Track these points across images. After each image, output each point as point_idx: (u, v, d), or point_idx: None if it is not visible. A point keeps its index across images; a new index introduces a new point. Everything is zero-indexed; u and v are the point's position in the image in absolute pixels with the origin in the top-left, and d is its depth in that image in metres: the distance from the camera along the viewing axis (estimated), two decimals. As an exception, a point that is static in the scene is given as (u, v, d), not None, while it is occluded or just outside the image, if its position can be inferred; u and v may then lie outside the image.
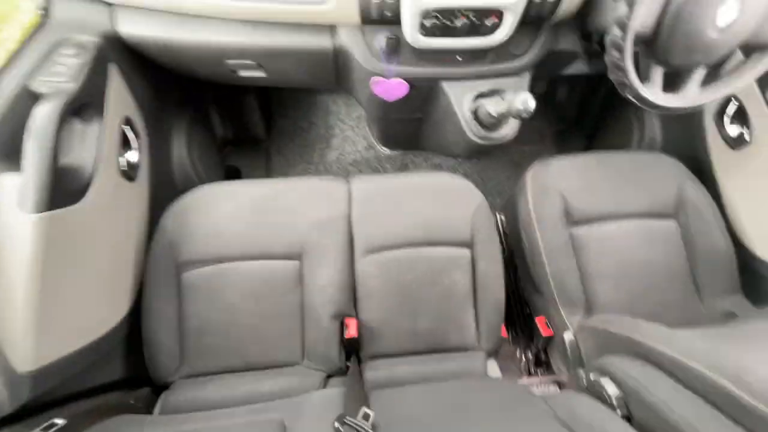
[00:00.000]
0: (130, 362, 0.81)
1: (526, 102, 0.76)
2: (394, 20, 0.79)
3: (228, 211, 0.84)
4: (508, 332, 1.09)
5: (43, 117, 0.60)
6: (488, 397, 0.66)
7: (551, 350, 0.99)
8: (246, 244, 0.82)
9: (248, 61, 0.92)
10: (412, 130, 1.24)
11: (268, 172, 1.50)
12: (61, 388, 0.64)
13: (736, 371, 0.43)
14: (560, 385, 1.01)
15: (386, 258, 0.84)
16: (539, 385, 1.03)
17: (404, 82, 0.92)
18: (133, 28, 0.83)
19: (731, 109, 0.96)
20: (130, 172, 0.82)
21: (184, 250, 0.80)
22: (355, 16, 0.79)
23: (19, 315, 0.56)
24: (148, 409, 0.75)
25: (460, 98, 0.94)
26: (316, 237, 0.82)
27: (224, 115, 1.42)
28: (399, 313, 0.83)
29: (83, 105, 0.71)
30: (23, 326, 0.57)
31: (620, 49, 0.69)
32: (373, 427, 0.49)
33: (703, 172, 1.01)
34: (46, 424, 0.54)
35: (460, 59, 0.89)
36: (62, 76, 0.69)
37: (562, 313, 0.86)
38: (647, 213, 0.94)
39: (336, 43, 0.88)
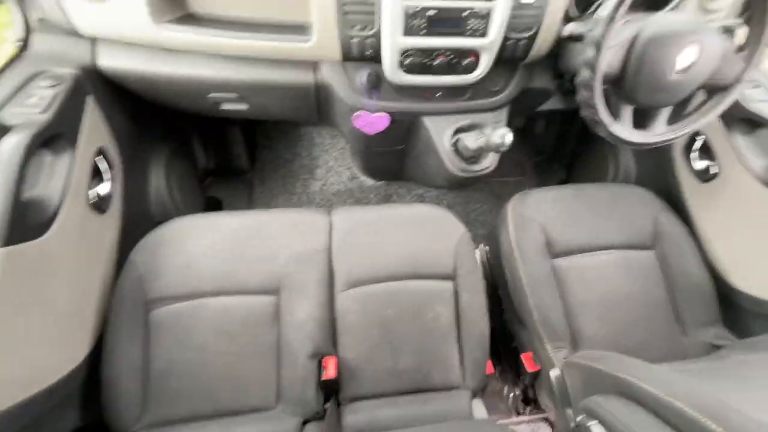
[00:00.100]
0: (89, 410, 0.75)
1: (504, 137, 0.78)
2: (375, 58, 0.81)
3: (203, 244, 0.81)
4: (494, 367, 1.06)
5: (8, 149, 0.58)
6: None
7: (539, 387, 0.97)
8: (221, 279, 0.78)
9: (231, 95, 0.92)
10: (395, 161, 1.25)
11: (250, 203, 1.48)
12: None
13: (718, 409, 0.42)
14: (550, 424, 0.97)
15: (367, 292, 0.81)
16: (528, 424, 0.99)
17: (385, 116, 0.94)
18: (114, 61, 0.83)
19: (698, 144, 1.01)
20: (100, 204, 0.79)
21: (154, 286, 0.76)
22: (337, 54, 0.81)
23: None
24: None
25: (441, 132, 0.96)
26: (295, 270, 0.80)
27: (208, 146, 1.41)
28: (380, 350, 0.79)
29: (54, 136, 0.69)
30: None
31: (590, 89, 0.72)
32: None
33: (676, 204, 1.04)
34: None
35: (439, 95, 0.92)
36: (35, 107, 0.68)
37: (547, 347, 0.84)
38: (626, 244, 0.95)
39: (318, 78, 0.89)
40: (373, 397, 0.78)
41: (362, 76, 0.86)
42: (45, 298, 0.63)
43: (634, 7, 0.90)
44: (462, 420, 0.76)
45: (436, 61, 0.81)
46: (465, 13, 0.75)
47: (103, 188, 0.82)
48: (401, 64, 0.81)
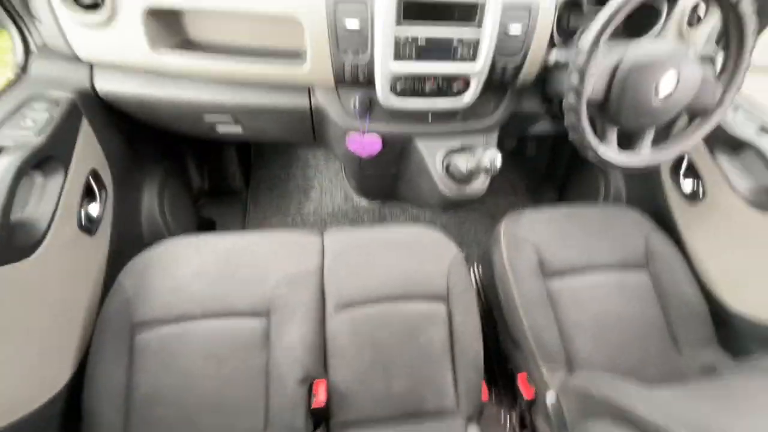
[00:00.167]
0: None
1: (494, 159, 0.80)
2: (367, 82, 0.83)
3: (193, 266, 0.80)
4: (490, 392, 1.04)
5: None
6: None
7: (535, 411, 0.94)
8: (209, 301, 0.77)
9: (226, 117, 0.94)
10: (388, 182, 1.27)
11: (244, 224, 1.48)
12: None
13: None
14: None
15: (358, 314, 0.80)
16: None
17: (378, 138, 0.95)
18: (111, 85, 0.85)
19: (684, 165, 1.03)
20: (90, 226, 0.78)
21: (141, 309, 0.75)
22: (330, 79, 0.83)
23: None
24: None
25: (433, 154, 0.98)
26: (286, 292, 0.79)
27: (202, 167, 1.42)
28: (372, 375, 0.77)
29: (46, 158, 0.69)
30: None
31: (576, 113, 0.74)
32: None
33: (666, 224, 1.05)
34: None
35: (430, 118, 0.94)
36: (28, 130, 0.68)
37: (543, 369, 0.83)
38: (619, 264, 0.95)
39: (313, 102, 0.91)
40: (365, 423, 0.76)
41: (355, 100, 0.88)
42: (27, 321, 0.62)
43: (616, 35, 0.94)
44: None
45: (427, 86, 0.83)
46: (454, 42, 0.78)
47: (94, 210, 0.81)
48: (393, 89, 0.83)
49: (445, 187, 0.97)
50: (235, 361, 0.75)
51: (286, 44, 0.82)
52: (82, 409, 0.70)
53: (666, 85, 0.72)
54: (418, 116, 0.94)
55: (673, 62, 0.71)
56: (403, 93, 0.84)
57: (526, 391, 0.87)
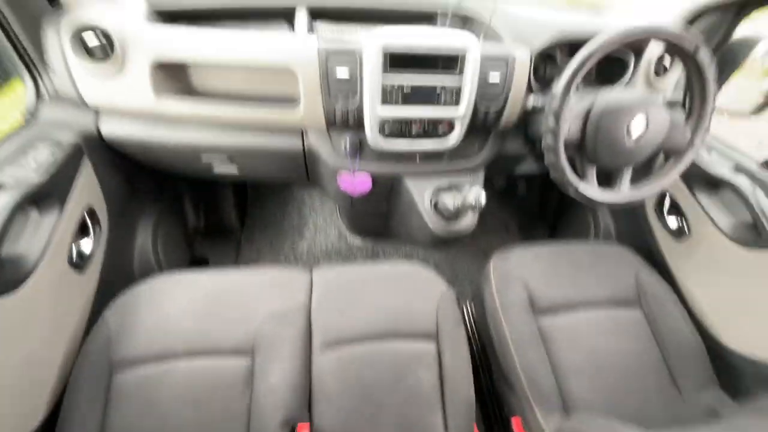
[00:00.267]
0: None
1: (478, 196, 0.82)
2: (357, 125, 0.88)
3: (180, 303, 0.80)
4: None
5: None
6: None
7: None
8: (193, 339, 0.75)
9: (222, 157, 0.98)
10: (380, 220, 1.29)
11: (237, 263, 1.48)
12: None
13: None
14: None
15: (345, 353, 0.78)
16: None
17: (368, 178, 0.99)
18: (115, 129, 0.90)
19: (667, 203, 1.06)
20: (80, 262, 0.79)
21: (122, 347, 0.73)
22: (322, 123, 0.88)
23: None
24: None
25: (421, 192, 1.01)
26: (271, 330, 0.77)
27: (198, 205, 1.45)
28: (358, 419, 0.74)
29: (43, 196, 0.72)
30: None
31: (555, 153, 0.78)
32: None
33: (656, 261, 1.06)
34: None
35: (418, 159, 0.98)
36: (30, 169, 0.71)
37: (537, 413, 0.79)
38: (611, 302, 0.94)
39: (306, 143, 0.96)
40: None
41: (346, 141, 0.93)
42: (5, 356, 0.60)
43: (590, 84, 1.02)
44: None
45: (414, 129, 0.88)
46: (437, 89, 0.84)
47: (86, 246, 0.82)
48: (381, 131, 0.87)
49: (434, 224, 0.99)
50: (216, 403, 0.72)
51: (281, 91, 0.88)
52: None
53: (636, 127, 0.76)
54: (407, 156, 0.98)
55: (641, 107, 0.76)
56: (390, 135, 0.88)
57: None
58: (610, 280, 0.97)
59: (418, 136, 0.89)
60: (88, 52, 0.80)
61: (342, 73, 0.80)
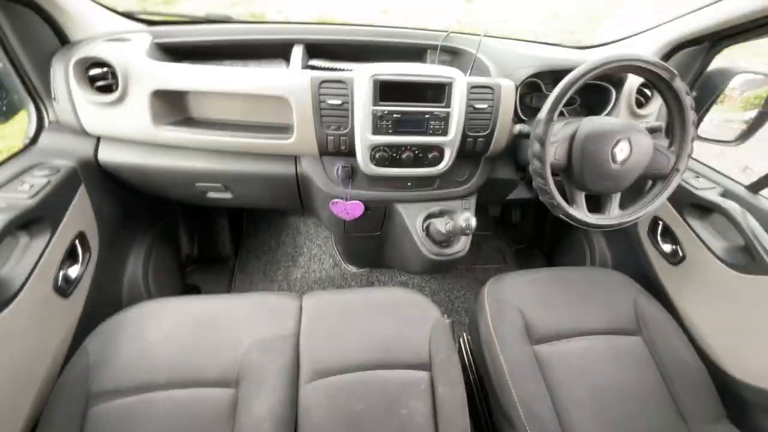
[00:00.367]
0: None
1: (469, 220, 0.83)
2: (349, 152, 0.90)
3: (164, 330, 0.78)
4: None
5: None
6: None
7: None
8: (176, 369, 0.73)
9: (216, 184, 0.99)
10: (374, 247, 1.28)
11: (229, 291, 1.45)
12: None
13: None
14: None
15: (334, 384, 0.75)
16: None
17: (360, 203, 1.00)
18: (112, 155, 0.92)
19: (660, 229, 1.06)
20: (65, 288, 0.78)
21: (101, 377, 0.70)
22: (315, 150, 0.91)
23: None
24: None
25: (413, 218, 1.02)
26: (257, 359, 0.75)
27: (193, 233, 1.45)
28: None
29: (35, 219, 0.72)
30: None
31: (543, 177, 0.79)
32: None
33: (653, 287, 1.04)
34: None
35: (409, 185, 0.99)
36: (23, 193, 0.72)
37: (537, 451, 0.75)
38: (609, 329, 0.92)
39: (299, 170, 0.98)
40: None
41: (338, 168, 0.95)
42: None
43: (575, 113, 1.05)
44: None
45: (404, 155, 0.90)
46: (426, 116, 0.86)
47: (74, 272, 0.82)
48: (372, 158, 0.89)
49: (427, 249, 0.99)
50: None
51: (275, 120, 0.91)
52: None
53: (621, 152, 0.78)
54: (398, 183, 0.99)
55: (624, 133, 0.78)
56: (381, 162, 0.90)
57: None
58: (607, 306, 0.95)
59: (409, 162, 0.91)
60: (92, 83, 0.84)
61: (334, 101, 0.83)
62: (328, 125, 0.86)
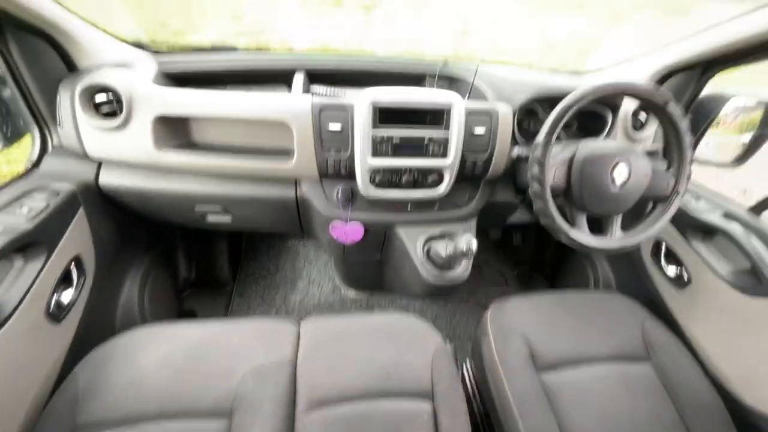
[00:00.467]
0: None
1: (470, 242, 0.82)
2: (349, 175, 0.90)
3: (158, 357, 0.75)
4: None
5: None
6: None
7: None
8: (167, 399, 0.70)
9: (216, 207, 0.99)
10: (374, 271, 1.26)
11: (226, 316, 1.42)
12: None
13: None
14: None
15: (332, 415, 0.71)
16: None
17: (360, 226, 0.99)
18: (113, 179, 0.92)
19: (663, 251, 1.05)
20: (57, 313, 0.76)
21: (89, 407, 0.67)
22: (315, 173, 0.91)
23: None
24: None
25: (413, 241, 1.01)
26: (252, 387, 0.72)
27: (191, 257, 1.43)
28: None
29: (31, 243, 0.71)
30: None
31: (543, 199, 0.79)
32: None
33: (660, 311, 1.02)
34: None
35: (409, 207, 0.99)
36: (21, 217, 0.72)
37: (548, 490, 0.70)
38: (618, 356, 0.89)
39: (299, 193, 0.98)
40: None
41: (338, 191, 0.95)
42: None
43: (572, 137, 1.07)
44: None
45: (404, 178, 0.90)
46: (426, 141, 0.87)
47: (67, 296, 0.80)
48: (372, 181, 0.90)
49: (427, 272, 0.97)
50: None
51: (276, 144, 0.92)
52: None
53: (620, 174, 0.78)
54: (398, 206, 0.99)
55: (621, 155, 0.79)
56: (381, 185, 0.90)
57: None
58: (614, 332, 0.92)
59: (409, 185, 0.91)
60: (97, 109, 0.85)
61: (334, 126, 0.85)
62: (328, 149, 0.87)
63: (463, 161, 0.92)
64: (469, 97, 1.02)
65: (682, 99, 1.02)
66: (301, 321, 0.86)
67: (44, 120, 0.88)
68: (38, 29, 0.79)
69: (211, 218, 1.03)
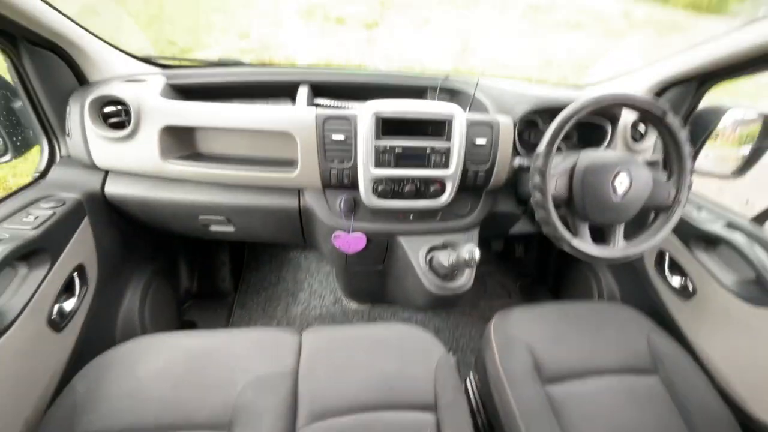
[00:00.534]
0: None
1: (472, 251, 0.82)
2: (352, 185, 0.91)
3: (156, 368, 0.74)
4: None
5: None
6: None
7: None
8: (165, 411, 0.68)
9: (219, 217, 1.00)
10: (376, 282, 1.26)
11: (227, 327, 1.41)
12: None
13: None
14: None
15: (334, 427, 0.70)
16: None
17: (362, 236, 0.99)
18: (119, 188, 0.93)
19: (667, 262, 1.04)
20: (59, 321, 0.75)
21: (86, 419, 0.66)
22: (318, 183, 0.92)
23: None
24: None
25: (416, 251, 1.01)
26: (252, 398, 0.70)
27: (193, 268, 1.43)
28: None
29: (36, 251, 0.72)
30: None
31: (545, 208, 0.79)
32: None
33: (665, 322, 1.00)
34: None
35: (412, 217, 1.00)
36: (27, 225, 0.72)
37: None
38: (624, 368, 0.87)
39: (302, 203, 0.99)
40: None
41: (341, 201, 0.95)
42: None
43: (573, 147, 1.08)
44: None
45: (406, 188, 0.91)
46: (428, 151, 0.89)
47: (69, 305, 0.80)
48: (375, 191, 0.90)
49: (430, 283, 0.97)
50: None
51: (279, 154, 0.93)
52: None
53: (621, 184, 0.79)
54: (401, 216, 1.00)
55: (622, 165, 0.80)
56: (384, 195, 0.91)
57: None
58: (620, 343, 0.91)
59: (411, 195, 0.92)
60: (105, 120, 0.87)
61: (338, 137, 0.86)
62: (331, 159, 0.88)
63: (464, 171, 0.93)
64: (470, 109, 1.04)
65: (680, 111, 1.04)
66: (302, 331, 0.85)
67: (53, 131, 0.90)
68: (51, 43, 0.82)
69: (214, 228, 1.04)
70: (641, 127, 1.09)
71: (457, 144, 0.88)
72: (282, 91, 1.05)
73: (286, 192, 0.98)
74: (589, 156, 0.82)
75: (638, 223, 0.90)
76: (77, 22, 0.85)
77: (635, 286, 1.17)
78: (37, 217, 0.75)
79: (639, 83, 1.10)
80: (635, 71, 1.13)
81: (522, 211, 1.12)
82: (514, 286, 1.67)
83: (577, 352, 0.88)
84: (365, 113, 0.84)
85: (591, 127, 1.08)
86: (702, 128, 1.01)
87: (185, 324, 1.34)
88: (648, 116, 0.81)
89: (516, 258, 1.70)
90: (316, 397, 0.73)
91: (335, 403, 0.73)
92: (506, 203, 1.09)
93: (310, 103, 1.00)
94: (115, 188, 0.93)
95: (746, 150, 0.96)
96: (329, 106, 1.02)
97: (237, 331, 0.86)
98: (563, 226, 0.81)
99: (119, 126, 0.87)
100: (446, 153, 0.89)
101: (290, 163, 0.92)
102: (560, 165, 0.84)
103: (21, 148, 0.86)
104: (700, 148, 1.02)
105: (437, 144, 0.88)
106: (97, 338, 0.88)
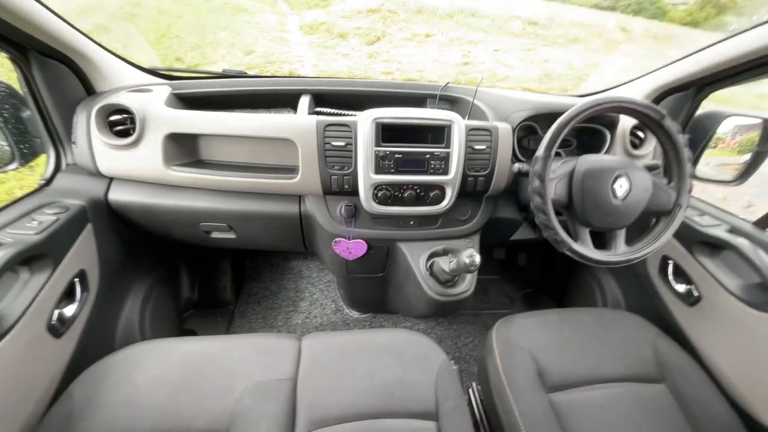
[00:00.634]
0: None
1: (472, 256, 0.81)
2: (352, 192, 0.92)
3: (153, 375, 0.73)
4: None
5: None
6: None
7: None
8: (163, 417, 0.67)
9: (220, 224, 1.00)
10: (377, 290, 1.25)
11: None
12: None
13: None
14: None
15: None
16: None
17: (362, 242, 0.99)
18: (122, 195, 0.94)
19: (671, 268, 1.03)
20: (58, 327, 0.75)
21: (83, 425, 0.65)
22: (319, 189, 0.93)
23: None
24: None
25: (416, 257, 1.00)
26: (250, 405, 0.69)
27: (195, 277, 1.43)
28: None
29: (38, 256, 0.72)
30: None
31: (545, 212, 0.79)
32: None
33: (671, 329, 0.98)
34: None
35: (412, 223, 1.00)
36: (29, 230, 0.73)
37: None
38: (630, 376, 0.85)
39: (303, 209, 0.99)
40: None
41: (341, 207, 0.96)
42: None
43: (572, 154, 1.08)
44: None
45: (406, 194, 0.92)
46: (427, 156, 0.89)
47: (69, 311, 0.80)
48: (375, 197, 0.91)
49: (431, 289, 0.96)
50: None
51: (281, 161, 0.94)
52: None
53: (620, 188, 0.79)
54: (400, 222, 1.00)
55: (621, 169, 0.80)
56: (384, 201, 0.92)
57: None
58: (625, 351, 0.89)
59: (411, 201, 0.92)
60: (111, 129, 0.89)
61: (338, 143, 0.87)
62: (332, 165, 0.89)
63: (464, 177, 0.94)
64: (469, 116, 1.05)
65: (678, 119, 1.05)
66: (302, 337, 0.84)
67: (60, 139, 0.91)
68: (61, 54, 0.84)
69: (216, 235, 1.04)
70: (640, 134, 1.10)
71: (456, 150, 0.89)
72: (284, 101, 1.07)
73: (287, 198, 0.99)
74: (588, 160, 0.83)
75: (640, 229, 0.89)
76: (86, 34, 0.88)
77: (640, 294, 1.16)
78: (40, 223, 0.76)
79: (637, 91, 1.11)
80: (633, 80, 1.15)
81: (523, 217, 1.12)
82: (516, 295, 1.65)
83: (581, 359, 0.87)
84: (365, 120, 0.86)
85: (590, 133, 1.09)
86: (701, 134, 1.02)
87: (185, 333, 1.33)
88: (646, 120, 0.81)
89: (519, 267, 1.68)
90: (315, 404, 0.72)
91: (334, 410, 0.71)
92: (507, 209, 1.09)
93: (312, 112, 1.02)
94: (118, 195, 0.94)
95: (746, 157, 0.96)
96: (330, 114, 1.04)
97: (236, 337, 0.85)
98: (563, 230, 0.81)
99: (124, 134, 0.89)
100: (446, 159, 0.90)
101: (291, 170, 0.93)
102: (559, 169, 0.84)
103: (28, 156, 0.88)
104: (701, 153, 1.02)
105: (436, 150, 0.89)
106: (96, 345, 0.88)
